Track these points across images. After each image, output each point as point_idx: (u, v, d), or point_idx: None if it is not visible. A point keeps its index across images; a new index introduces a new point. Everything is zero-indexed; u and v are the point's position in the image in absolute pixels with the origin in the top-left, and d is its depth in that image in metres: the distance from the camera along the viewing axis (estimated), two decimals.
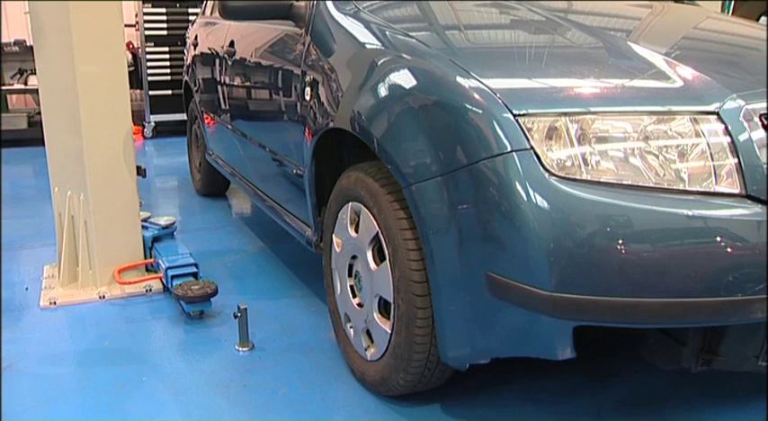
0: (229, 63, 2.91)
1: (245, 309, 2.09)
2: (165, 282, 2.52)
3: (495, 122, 1.39)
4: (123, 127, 2.53)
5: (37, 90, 3.87)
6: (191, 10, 5.99)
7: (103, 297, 2.54)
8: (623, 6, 2.42)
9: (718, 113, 1.39)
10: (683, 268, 1.30)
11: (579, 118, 1.39)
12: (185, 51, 4.01)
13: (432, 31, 2.06)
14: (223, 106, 3.11)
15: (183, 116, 4.31)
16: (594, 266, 1.31)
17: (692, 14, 2.45)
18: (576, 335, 1.38)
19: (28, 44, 6.08)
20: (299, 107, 2.14)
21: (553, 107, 1.41)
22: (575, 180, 1.34)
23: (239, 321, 2.07)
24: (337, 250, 1.97)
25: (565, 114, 1.39)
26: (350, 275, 1.93)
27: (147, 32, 6.01)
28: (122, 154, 2.54)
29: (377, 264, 1.76)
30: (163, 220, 2.78)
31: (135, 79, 6.35)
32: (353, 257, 1.89)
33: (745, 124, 1.37)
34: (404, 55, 1.72)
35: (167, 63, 6.12)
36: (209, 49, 3.32)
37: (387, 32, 1.89)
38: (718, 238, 1.30)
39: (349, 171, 1.87)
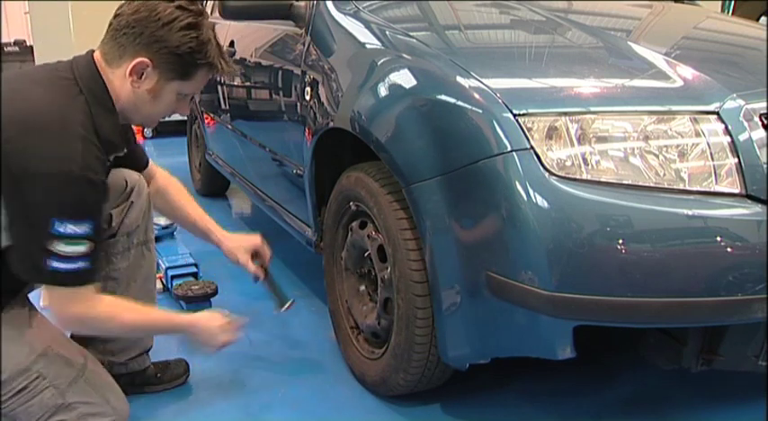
0: None
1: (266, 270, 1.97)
2: (164, 281, 2.51)
3: (495, 122, 1.39)
4: None
5: None
6: None
7: None
8: (623, 6, 2.42)
9: (718, 113, 1.39)
10: (683, 268, 1.30)
11: (579, 117, 1.39)
12: None
13: (432, 30, 2.06)
14: (223, 106, 3.11)
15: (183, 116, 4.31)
16: (595, 266, 1.31)
17: (692, 14, 2.45)
18: (576, 335, 1.38)
19: (28, 44, 6.08)
20: (299, 107, 2.14)
21: (553, 107, 1.41)
22: (575, 180, 1.34)
23: (268, 282, 1.96)
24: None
25: (565, 114, 1.39)
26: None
27: None
28: None
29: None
30: (163, 220, 2.77)
31: None
32: None
33: (746, 124, 1.37)
34: (404, 55, 1.72)
35: None
36: None
37: (387, 32, 1.89)
38: (718, 238, 1.30)
39: (349, 171, 1.87)
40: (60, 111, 1.31)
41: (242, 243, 1.88)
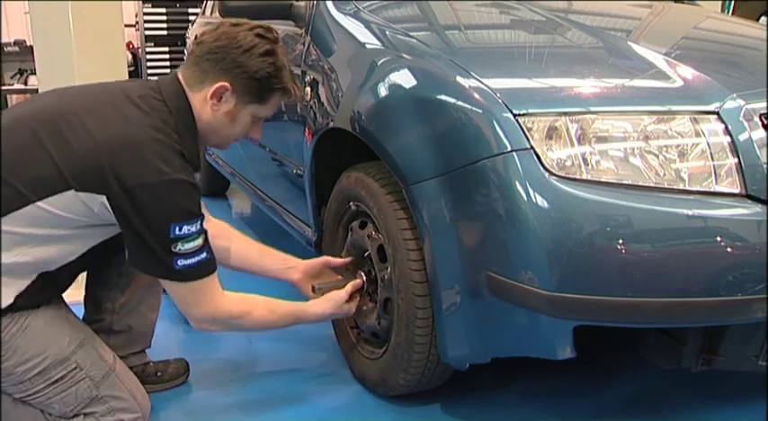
0: None
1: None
2: None
3: (495, 122, 1.39)
4: None
5: (37, 90, 3.87)
6: (191, 10, 5.98)
7: None
8: (623, 6, 2.42)
9: (718, 113, 1.39)
10: (683, 268, 1.30)
11: (579, 117, 1.39)
12: (185, 51, 4.02)
13: (432, 30, 2.06)
14: None
15: None
16: (595, 266, 1.31)
17: (692, 14, 2.46)
18: (576, 335, 1.38)
19: (28, 44, 6.07)
20: (298, 107, 2.14)
21: (553, 107, 1.41)
22: (575, 180, 1.34)
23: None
24: None
25: (565, 114, 1.39)
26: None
27: (147, 32, 6.00)
28: None
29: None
30: None
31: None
32: None
33: (746, 124, 1.37)
34: (404, 55, 1.72)
35: (167, 63, 6.12)
36: None
37: (387, 32, 1.89)
38: (718, 238, 1.30)
39: (349, 171, 1.87)
40: (158, 130, 1.42)
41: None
